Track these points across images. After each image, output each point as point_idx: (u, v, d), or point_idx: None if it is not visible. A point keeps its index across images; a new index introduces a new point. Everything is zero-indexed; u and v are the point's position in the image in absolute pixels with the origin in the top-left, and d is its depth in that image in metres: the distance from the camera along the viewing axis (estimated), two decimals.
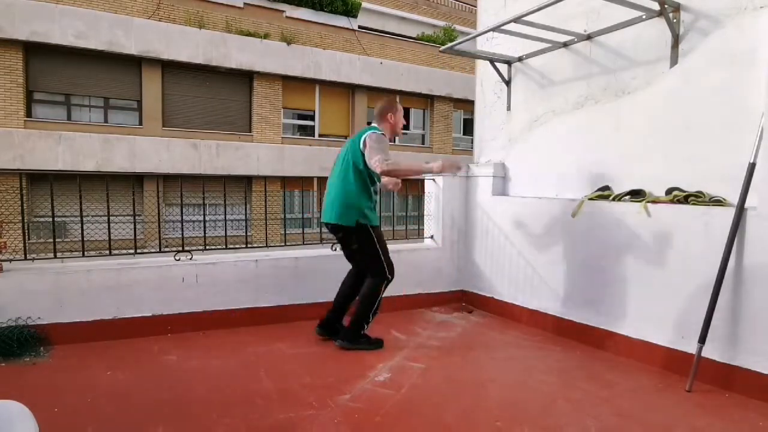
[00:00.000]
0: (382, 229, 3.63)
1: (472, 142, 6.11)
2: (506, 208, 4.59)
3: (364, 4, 16.95)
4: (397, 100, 3.72)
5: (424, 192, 5.22)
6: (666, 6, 3.29)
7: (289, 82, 14.77)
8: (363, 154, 3.36)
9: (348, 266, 3.82)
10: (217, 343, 3.67)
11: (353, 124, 16.15)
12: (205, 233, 4.31)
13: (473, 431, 2.45)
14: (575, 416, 2.59)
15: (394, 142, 3.59)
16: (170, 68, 13.27)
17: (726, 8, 3.10)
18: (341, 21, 15.73)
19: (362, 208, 3.44)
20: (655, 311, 3.28)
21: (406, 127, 3.65)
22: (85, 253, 3.90)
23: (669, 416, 2.60)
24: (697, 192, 3.14)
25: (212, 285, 3.98)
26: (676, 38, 3.36)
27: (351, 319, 3.58)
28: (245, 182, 13.23)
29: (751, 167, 2.80)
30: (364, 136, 3.41)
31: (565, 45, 4.17)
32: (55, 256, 3.81)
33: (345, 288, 3.76)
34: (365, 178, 3.44)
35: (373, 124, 3.63)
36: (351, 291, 3.71)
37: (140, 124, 13.14)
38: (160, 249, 4.16)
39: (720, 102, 3.09)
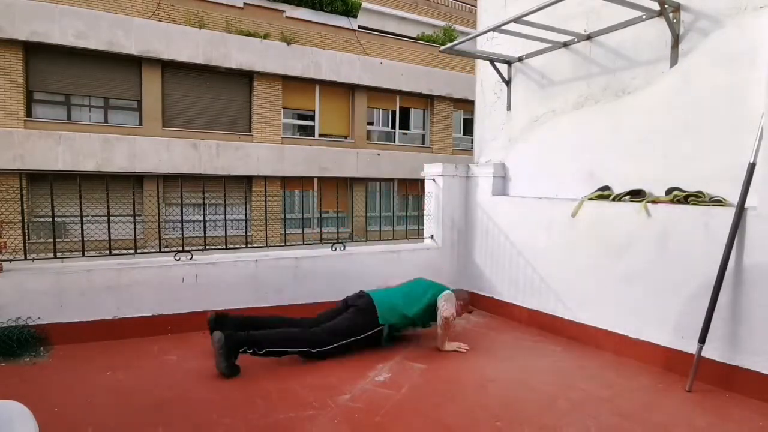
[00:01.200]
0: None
1: (472, 142, 6.12)
2: (506, 208, 4.59)
3: (364, 4, 16.94)
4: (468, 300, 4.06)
5: (424, 192, 5.22)
6: (666, 6, 3.29)
7: (289, 82, 14.75)
8: (437, 305, 3.61)
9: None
10: None
11: (353, 124, 16.14)
12: (205, 233, 4.31)
13: (473, 431, 2.45)
14: (575, 416, 2.59)
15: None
16: (170, 68, 13.26)
17: (726, 8, 3.10)
18: (341, 21, 15.71)
19: (396, 324, 3.60)
20: (655, 311, 3.28)
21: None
22: (85, 253, 3.90)
23: (669, 416, 2.60)
24: (697, 192, 3.14)
25: (212, 285, 3.98)
26: (676, 38, 3.36)
27: (251, 336, 3.16)
28: (245, 182, 13.23)
29: (751, 167, 2.80)
30: (445, 301, 3.63)
31: (565, 45, 4.17)
32: (55, 256, 3.80)
33: (280, 322, 3.49)
34: (423, 317, 3.68)
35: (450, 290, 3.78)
36: (282, 325, 3.44)
37: (140, 124, 13.13)
38: (160, 249, 4.16)
39: (720, 102, 3.09)
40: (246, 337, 3.14)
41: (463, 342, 3.70)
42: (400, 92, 16.69)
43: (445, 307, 3.56)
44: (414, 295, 3.69)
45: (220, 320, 3.32)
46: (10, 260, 3.61)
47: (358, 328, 3.47)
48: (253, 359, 3.22)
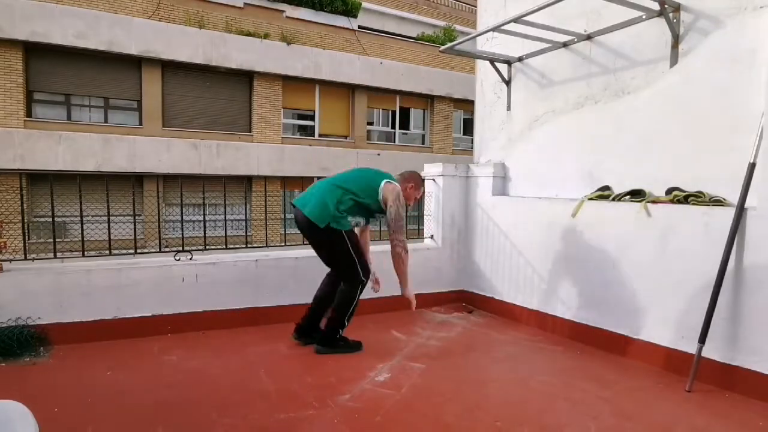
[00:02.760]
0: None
1: (472, 142, 6.12)
2: (506, 208, 4.59)
3: (364, 4, 16.94)
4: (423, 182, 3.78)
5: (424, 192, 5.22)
6: (666, 6, 3.29)
7: (289, 82, 14.76)
8: (382, 202, 3.39)
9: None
10: (217, 343, 3.67)
11: (353, 123, 16.15)
12: (205, 233, 4.31)
13: (473, 431, 2.45)
14: (575, 416, 2.59)
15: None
16: (170, 68, 13.26)
17: (726, 8, 3.09)
18: (341, 21, 15.72)
19: (338, 218, 3.34)
20: (656, 311, 3.28)
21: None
22: (85, 253, 3.90)
23: (669, 416, 2.60)
24: (697, 192, 3.14)
25: (212, 285, 3.98)
26: (676, 38, 3.36)
27: (327, 323, 3.51)
28: (245, 182, 13.24)
29: (751, 167, 2.80)
30: (387, 184, 3.39)
31: (565, 45, 4.17)
32: (55, 256, 3.80)
33: (320, 292, 3.64)
34: (359, 208, 3.41)
35: (392, 174, 3.59)
36: (326, 295, 3.59)
37: (140, 124, 13.14)
38: (160, 249, 4.16)
39: (720, 102, 3.09)
40: (328, 331, 3.46)
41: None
42: (400, 92, 16.70)
43: (396, 229, 3.34)
44: (341, 197, 3.36)
45: (301, 333, 3.62)
46: (10, 260, 3.61)
47: (341, 243, 3.32)
48: (254, 357, 3.22)
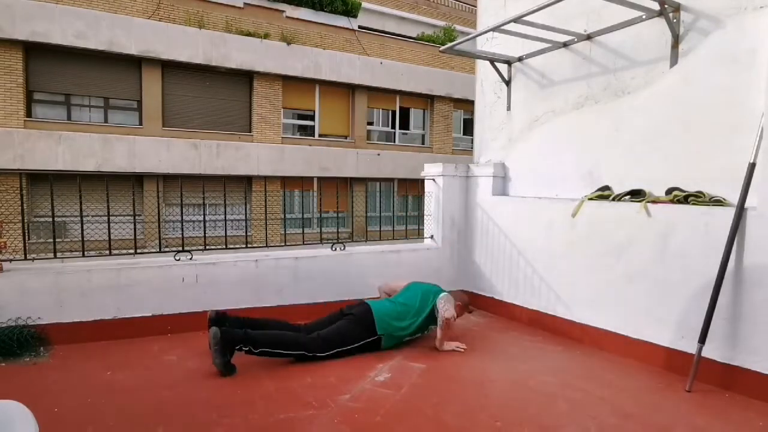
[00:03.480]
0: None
1: (472, 142, 6.12)
2: (506, 208, 4.59)
3: (364, 4, 16.93)
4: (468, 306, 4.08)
5: (424, 192, 5.22)
6: (666, 6, 3.29)
7: (289, 82, 14.75)
8: (435, 308, 3.64)
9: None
10: None
11: (353, 123, 16.14)
12: (205, 233, 4.31)
13: (473, 431, 2.45)
14: (575, 416, 2.59)
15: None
16: (170, 68, 13.25)
17: (726, 8, 3.09)
18: (341, 21, 15.71)
19: (394, 334, 3.59)
20: (655, 311, 3.28)
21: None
22: (85, 253, 3.90)
23: (669, 416, 2.60)
24: (697, 192, 3.14)
25: (212, 285, 3.98)
26: (676, 38, 3.36)
27: (245, 334, 3.16)
28: (245, 182, 13.24)
29: (751, 167, 2.80)
30: (445, 295, 3.70)
31: (565, 45, 4.17)
32: (55, 256, 3.80)
33: (276, 327, 3.45)
34: (422, 326, 3.71)
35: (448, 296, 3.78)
36: (278, 329, 3.42)
37: (140, 124, 13.13)
38: (160, 249, 4.16)
39: (720, 102, 3.09)
40: (243, 334, 3.14)
41: (462, 342, 3.70)
42: (400, 92, 16.70)
43: (446, 308, 3.56)
44: (411, 306, 3.67)
45: (219, 319, 3.34)
46: (10, 260, 3.61)
47: (354, 337, 3.45)
48: (252, 359, 3.22)
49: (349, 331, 3.46)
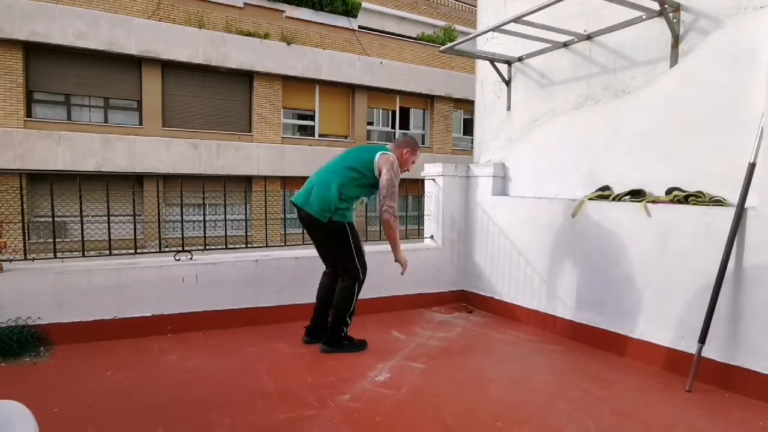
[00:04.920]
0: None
1: (472, 142, 6.12)
2: (506, 208, 4.59)
3: (364, 4, 16.94)
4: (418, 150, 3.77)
5: (423, 192, 5.22)
6: (666, 6, 3.29)
7: (289, 82, 14.76)
8: (377, 171, 3.40)
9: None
10: (217, 343, 3.67)
11: (353, 123, 16.15)
12: (205, 233, 4.31)
13: (473, 431, 2.45)
14: (575, 416, 2.59)
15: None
16: (170, 68, 13.26)
17: (726, 8, 3.09)
18: (341, 21, 15.72)
19: (341, 209, 3.39)
20: (655, 311, 3.28)
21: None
22: (85, 253, 3.90)
23: (669, 416, 2.60)
24: (697, 192, 3.14)
25: (212, 285, 3.98)
26: (676, 38, 3.36)
27: (330, 322, 3.51)
28: (245, 182, 13.22)
29: (751, 167, 2.80)
30: (382, 155, 3.42)
31: (565, 45, 4.17)
32: (55, 256, 3.80)
33: (322, 291, 3.67)
34: (359, 186, 3.43)
35: (386, 145, 3.65)
36: (328, 295, 3.61)
37: (140, 124, 13.14)
38: (160, 249, 4.16)
39: (720, 102, 3.09)
40: (332, 330, 3.47)
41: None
42: (400, 92, 16.70)
43: (387, 193, 3.33)
44: (341, 178, 3.40)
45: (311, 334, 3.66)
46: (10, 260, 3.61)
47: (343, 238, 3.39)
48: (253, 357, 3.22)
49: (337, 244, 3.41)
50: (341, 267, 3.50)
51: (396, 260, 3.56)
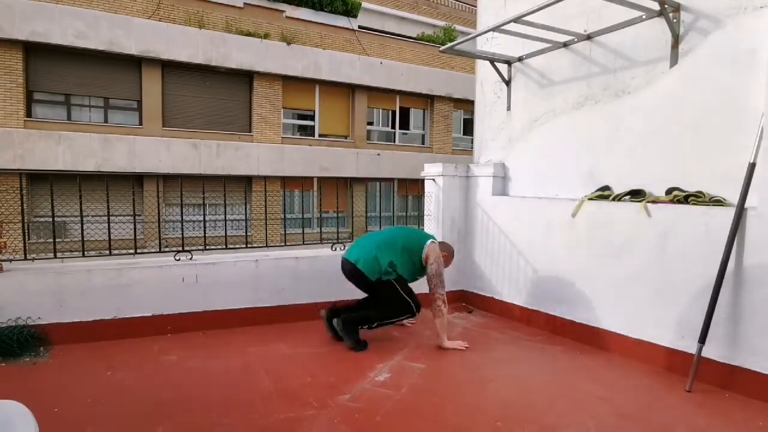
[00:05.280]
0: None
1: (472, 142, 6.12)
2: (506, 208, 4.59)
3: (364, 4, 16.93)
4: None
5: (424, 192, 5.22)
6: (666, 6, 3.29)
7: (289, 82, 14.75)
8: (423, 256, 3.65)
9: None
10: (217, 343, 3.67)
11: (353, 123, 16.14)
12: (205, 233, 4.31)
13: (473, 431, 2.45)
14: (575, 416, 2.59)
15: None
16: (170, 68, 13.25)
17: (726, 8, 3.09)
18: (341, 21, 15.71)
19: (388, 272, 3.61)
20: (655, 311, 3.28)
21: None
22: (85, 253, 3.90)
23: (669, 416, 2.60)
24: (697, 192, 3.14)
25: (212, 285, 3.98)
26: (676, 38, 3.36)
27: (362, 312, 3.67)
28: (245, 182, 13.23)
29: (751, 167, 2.80)
30: (431, 244, 3.68)
31: (565, 45, 4.17)
32: (55, 256, 3.80)
33: (365, 301, 3.85)
34: (409, 270, 3.68)
35: (430, 235, 3.87)
36: (370, 303, 3.80)
37: (140, 124, 13.13)
38: (160, 249, 4.16)
39: (720, 102, 3.09)
40: (359, 316, 3.60)
41: (463, 341, 3.70)
42: (400, 92, 16.69)
43: (437, 284, 3.60)
44: (399, 254, 3.66)
45: (333, 311, 3.76)
46: (10, 260, 3.62)
47: (390, 290, 3.59)
48: (254, 357, 3.22)
49: (389, 296, 3.62)
50: (397, 308, 3.65)
51: (442, 347, 3.63)
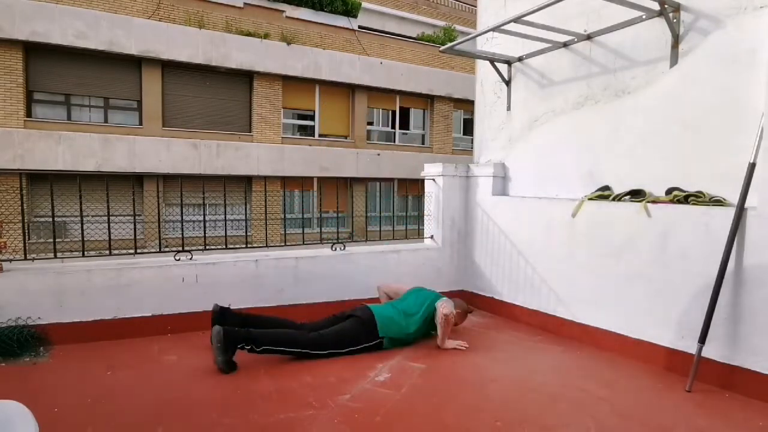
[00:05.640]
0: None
1: (472, 142, 6.12)
2: (506, 208, 4.59)
3: (364, 4, 16.93)
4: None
5: (424, 192, 5.22)
6: (666, 6, 3.29)
7: (289, 82, 14.75)
8: (436, 309, 3.67)
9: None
10: None
11: (353, 123, 16.14)
12: (205, 233, 4.31)
13: (473, 431, 2.45)
14: (575, 416, 2.59)
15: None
16: (170, 68, 13.25)
17: (726, 8, 3.09)
18: (341, 21, 15.71)
19: (392, 339, 3.61)
20: (656, 311, 3.28)
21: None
22: (85, 253, 3.90)
23: (669, 416, 2.60)
24: (697, 192, 3.14)
25: (212, 285, 3.98)
26: (676, 38, 3.36)
27: (248, 331, 3.19)
28: (245, 182, 13.23)
29: (751, 167, 2.80)
30: (444, 300, 3.71)
31: (565, 45, 4.17)
32: (55, 256, 3.80)
33: (281, 326, 3.54)
34: (422, 329, 3.74)
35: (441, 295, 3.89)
36: (280, 326, 3.51)
37: (140, 124, 13.13)
38: (160, 249, 4.16)
39: (720, 102, 3.09)
40: (245, 333, 3.16)
41: (463, 341, 3.70)
42: (400, 92, 16.70)
43: (444, 305, 3.60)
44: (412, 312, 3.72)
45: (223, 313, 3.44)
46: (10, 260, 3.61)
47: (356, 339, 3.48)
48: (253, 357, 3.22)
49: (351, 333, 3.48)
50: (322, 336, 3.42)
51: (442, 347, 3.65)
